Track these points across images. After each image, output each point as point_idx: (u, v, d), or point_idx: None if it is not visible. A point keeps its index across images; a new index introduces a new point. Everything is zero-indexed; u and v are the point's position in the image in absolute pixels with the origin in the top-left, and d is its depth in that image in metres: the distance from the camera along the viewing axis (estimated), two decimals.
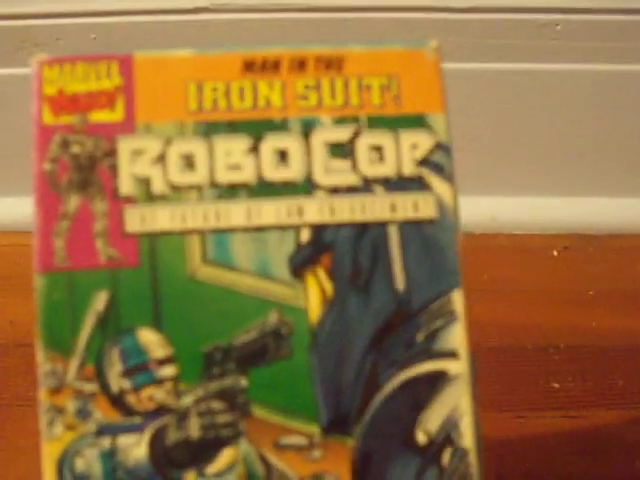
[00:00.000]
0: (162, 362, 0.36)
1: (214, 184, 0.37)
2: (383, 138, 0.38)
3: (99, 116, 0.37)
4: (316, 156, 0.38)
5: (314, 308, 0.37)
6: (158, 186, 0.37)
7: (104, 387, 0.36)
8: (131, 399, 0.36)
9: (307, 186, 0.37)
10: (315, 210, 0.37)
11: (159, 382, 0.36)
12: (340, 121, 0.38)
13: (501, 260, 0.87)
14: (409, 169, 0.38)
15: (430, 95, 0.38)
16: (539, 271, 0.85)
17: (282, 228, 0.37)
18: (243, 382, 0.36)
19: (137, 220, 0.37)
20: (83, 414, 0.36)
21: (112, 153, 0.37)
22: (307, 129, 0.38)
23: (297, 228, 0.37)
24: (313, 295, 0.37)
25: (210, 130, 0.38)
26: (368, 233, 0.37)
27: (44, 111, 0.37)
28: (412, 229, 0.37)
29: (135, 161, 0.37)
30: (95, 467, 0.36)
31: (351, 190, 0.38)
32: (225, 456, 0.36)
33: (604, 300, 0.82)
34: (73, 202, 0.37)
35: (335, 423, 0.37)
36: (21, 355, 0.77)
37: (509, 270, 0.85)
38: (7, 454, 0.67)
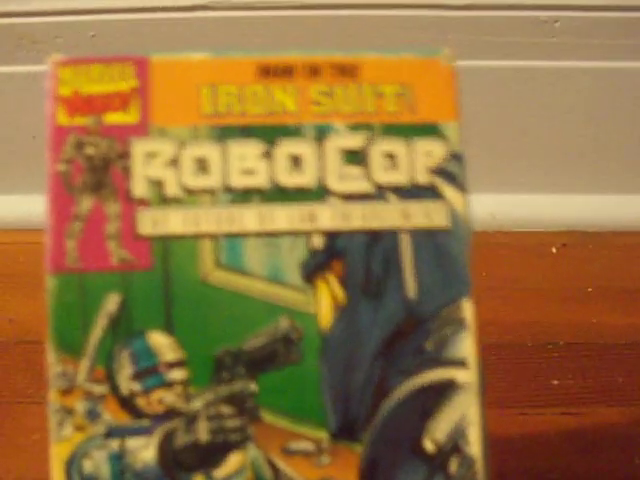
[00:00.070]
0: (172, 365, 0.36)
1: (227, 188, 0.37)
2: (397, 146, 0.38)
3: (113, 118, 0.37)
4: (329, 162, 0.38)
5: (325, 314, 0.37)
6: (171, 189, 0.37)
7: (114, 389, 0.36)
8: (141, 402, 0.36)
9: (320, 192, 0.38)
10: (328, 216, 0.37)
11: (169, 385, 0.36)
12: (354, 128, 0.38)
13: (500, 257, 0.87)
14: (422, 177, 0.38)
15: (444, 104, 0.38)
16: (538, 268, 0.85)
17: (294, 234, 0.37)
18: (252, 387, 0.37)
19: (150, 223, 0.37)
20: (92, 416, 0.36)
21: (126, 155, 0.37)
22: (321, 135, 0.38)
23: (309, 234, 0.37)
24: (324, 301, 0.37)
25: (224, 134, 0.38)
26: (380, 240, 0.37)
27: (58, 112, 0.37)
28: (424, 237, 0.38)
29: (149, 163, 0.37)
30: (103, 469, 0.36)
31: (364, 197, 0.38)
32: (233, 460, 0.36)
33: (603, 297, 0.82)
34: (86, 203, 0.37)
35: (343, 429, 0.37)
36: (21, 353, 0.77)
37: (508, 267, 0.85)
38: (7, 451, 0.67)
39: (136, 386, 0.36)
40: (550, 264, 0.86)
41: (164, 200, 0.37)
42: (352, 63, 0.38)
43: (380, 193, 0.38)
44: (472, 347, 0.37)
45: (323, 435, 0.37)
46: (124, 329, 0.36)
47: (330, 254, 0.37)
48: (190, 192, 0.37)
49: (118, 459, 0.36)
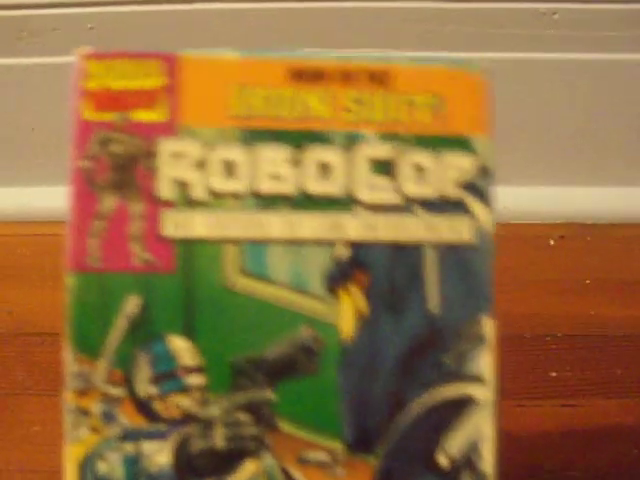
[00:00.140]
0: (191, 370, 0.36)
1: (254, 193, 0.37)
2: (426, 158, 0.37)
3: (141, 115, 0.37)
4: (358, 172, 0.37)
5: (346, 325, 0.37)
6: (197, 191, 0.37)
7: (131, 392, 0.36)
8: (158, 406, 0.36)
9: (347, 201, 0.37)
10: (354, 227, 0.37)
11: (187, 390, 0.36)
12: (384, 137, 0.37)
13: (498, 249, 0.87)
14: (450, 191, 0.37)
15: (476, 117, 0.38)
16: (536, 260, 0.85)
17: (320, 243, 0.37)
18: (270, 395, 0.36)
19: (174, 225, 0.36)
20: (108, 418, 0.36)
21: (152, 154, 0.36)
22: (350, 143, 0.37)
23: (335, 244, 0.37)
24: (346, 312, 0.37)
25: (253, 137, 0.37)
26: (405, 253, 0.37)
27: (84, 106, 0.36)
28: (449, 252, 0.37)
29: (175, 164, 0.36)
30: (118, 472, 0.36)
31: (391, 209, 0.37)
32: (248, 468, 0.36)
33: (601, 289, 0.83)
34: (109, 202, 0.36)
35: (359, 441, 0.37)
36: (20, 345, 0.77)
37: (506, 259, 0.84)
38: (7, 443, 0.67)
39: (153, 390, 0.36)
40: (548, 256, 0.86)
41: (189, 202, 0.36)
42: (385, 70, 0.38)
43: (407, 205, 0.37)
44: (490, 363, 0.37)
45: (339, 446, 0.37)
46: (143, 332, 0.36)
47: (354, 265, 0.37)
48: (216, 195, 0.37)
49: (133, 462, 0.36)
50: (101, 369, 0.36)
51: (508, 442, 0.67)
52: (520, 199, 0.90)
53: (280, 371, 0.37)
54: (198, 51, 0.37)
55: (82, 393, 0.36)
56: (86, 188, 0.36)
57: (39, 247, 0.89)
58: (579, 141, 0.90)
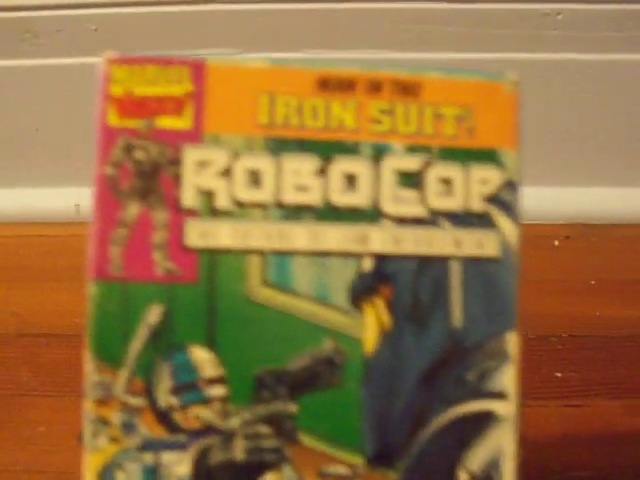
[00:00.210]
0: (212, 381, 0.36)
1: (279, 204, 0.36)
2: (453, 171, 0.37)
3: (166, 122, 0.36)
4: (385, 184, 0.37)
5: (369, 339, 0.36)
6: (222, 201, 0.36)
7: (151, 402, 0.36)
8: (178, 416, 0.36)
9: (373, 214, 0.37)
10: (380, 239, 0.36)
11: (207, 401, 0.36)
12: (412, 149, 0.37)
13: None
14: (477, 205, 0.37)
15: (504, 130, 0.37)
16: (541, 261, 0.85)
17: (345, 255, 0.36)
18: (292, 408, 0.36)
19: (198, 234, 0.36)
20: (128, 428, 0.35)
21: (176, 162, 0.36)
22: (378, 155, 0.37)
23: (360, 256, 0.36)
24: (370, 326, 0.36)
25: (280, 147, 0.36)
26: (430, 267, 0.37)
27: (109, 112, 0.36)
28: (474, 266, 0.37)
29: (200, 172, 0.36)
30: None
31: (417, 222, 0.37)
32: None
33: (606, 289, 0.83)
34: (133, 210, 0.36)
35: (380, 456, 0.37)
36: (24, 345, 0.76)
37: None
38: (13, 444, 0.66)
39: (174, 400, 0.36)
40: (553, 257, 0.86)
41: (213, 212, 0.36)
42: (415, 81, 0.37)
43: (433, 218, 0.37)
44: (514, 380, 0.37)
45: (359, 460, 0.36)
46: (165, 342, 0.36)
47: (379, 278, 0.37)
48: (241, 205, 0.36)
49: (152, 473, 0.35)
50: (122, 379, 0.35)
51: None
52: (525, 199, 0.90)
53: (302, 384, 0.36)
54: (225, 58, 0.37)
55: (102, 402, 0.35)
56: (109, 195, 0.36)
57: (43, 248, 0.89)
58: (583, 141, 0.90)
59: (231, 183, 0.36)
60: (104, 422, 0.35)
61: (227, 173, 0.36)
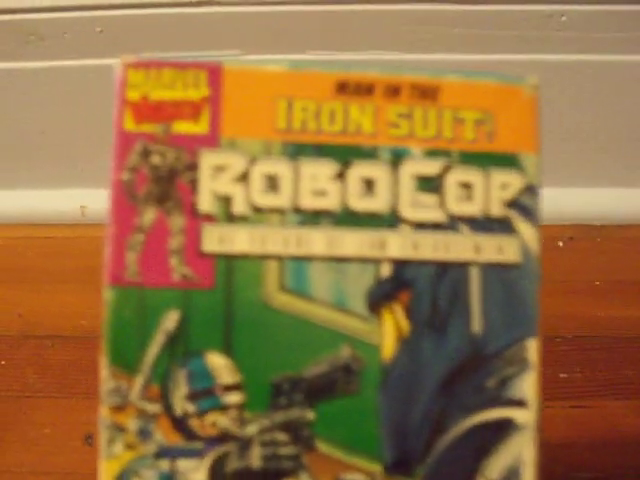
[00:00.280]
0: (229, 388, 0.35)
1: (297, 209, 0.36)
2: (473, 175, 0.37)
3: (183, 127, 0.36)
4: (403, 188, 0.36)
5: (387, 345, 0.36)
6: (239, 206, 0.36)
7: (168, 409, 0.35)
8: (194, 423, 0.35)
9: (392, 219, 0.36)
10: (398, 245, 0.36)
11: (224, 408, 0.35)
12: (431, 154, 0.37)
13: None
14: (497, 210, 0.37)
15: (524, 134, 0.37)
16: (545, 262, 0.84)
17: (363, 260, 0.36)
18: (309, 415, 0.36)
19: (215, 240, 0.36)
20: (144, 435, 0.35)
21: (193, 167, 0.36)
22: (396, 159, 0.36)
23: (378, 262, 0.36)
24: (388, 332, 0.36)
25: (297, 152, 0.36)
26: (449, 273, 0.36)
27: (125, 117, 0.36)
28: (494, 272, 0.36)
29: (217, 177, 0.36)
30: None
31: (436, 227, 0.36)
32: None
33: (611, 290, 0.82)
34: (149, 215, 0.35)
35: (398, 463, 0.36)
36: (30, 347, 0.77)
37: None
38: (18, 445, 0.67)
39: (190, 407, 0.35)
40: (557, 258, 0.85)
41: (230, 217, 0.36)
42: (433, 85, 0.37)
43: (452, 224, 0.37)
44: (534, 388, 0.37)
45: (377, 468, 0.36)
46: (181, 348, 0.35)
47: (397, 284, 0.36)
48: (258, 210, 0.36)
49: None
50: (138, 385, 0.35)
51: None
52: None
53: (319, 391, 0.36)
54: (242, 62, 0.36)
55: (118, 409, 0.35)
56: (126, 200, 0.35)
57: (48, 250, 0.89)
58: (587, 142, 0.90)
59: (248, 188, 0.36)
60: (120, 429, 0.35)
61: (244, 178, 0.36)
